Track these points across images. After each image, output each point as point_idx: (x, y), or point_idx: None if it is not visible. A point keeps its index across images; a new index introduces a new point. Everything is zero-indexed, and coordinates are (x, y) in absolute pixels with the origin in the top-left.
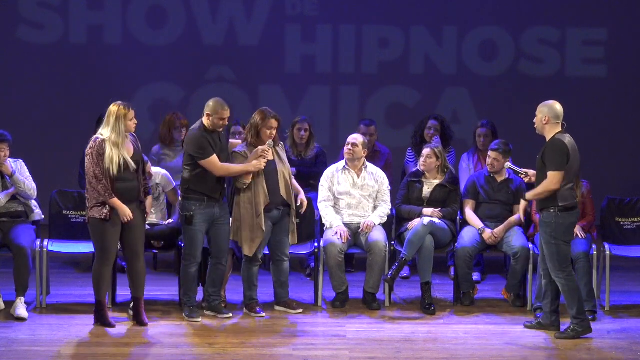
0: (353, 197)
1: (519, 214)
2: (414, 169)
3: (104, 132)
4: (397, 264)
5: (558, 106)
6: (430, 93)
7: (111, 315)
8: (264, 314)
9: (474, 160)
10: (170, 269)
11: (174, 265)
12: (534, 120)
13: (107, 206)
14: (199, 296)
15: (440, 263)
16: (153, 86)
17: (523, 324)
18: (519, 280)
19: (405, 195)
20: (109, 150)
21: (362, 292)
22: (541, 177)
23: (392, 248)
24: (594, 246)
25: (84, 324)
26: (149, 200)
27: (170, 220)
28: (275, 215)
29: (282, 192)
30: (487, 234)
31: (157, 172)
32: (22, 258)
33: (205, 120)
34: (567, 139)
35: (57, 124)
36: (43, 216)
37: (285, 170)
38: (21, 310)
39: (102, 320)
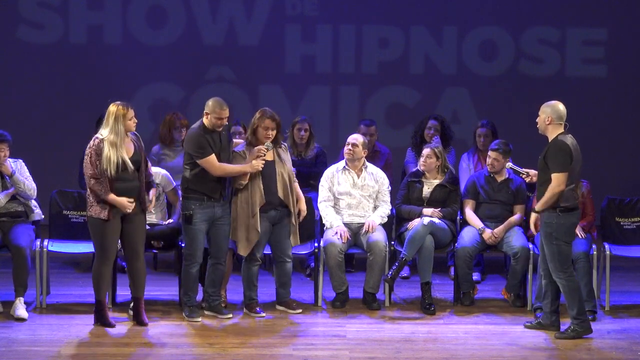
0: (353, 197)
1: (519, 214)
2: (414, 169)
3: (103, 132)
4: (397, 264)
5: (561, 107)
6: (430, 93)
7: (111, 315)
8: (264, 314)
9: (474, 160)
10: (170, 269)
11: (174, 265)
12: (537, 120)
13: (107, 207)
14: (199, 296)
15: (440, 263)
16: (153, 86)
17: (523, 324)
18: (519, 280)
19: (405, 195)
20: (107, 150)
21: (362, 292)
22: (543, 177)
23: (392, 248)
24: (594, 246)
25: (84, 324)
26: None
27: (171, 220)
28: (273, 216)
29: (280, 193)
30: (487, 234)
31: (157, 172)
32: (21, 258)
33: (205, 120)
34: (570, 139)
35: (57, 124)
36: (43, 216)
37: (285, 171)
38: (21, 310)
39: (102, 320)
